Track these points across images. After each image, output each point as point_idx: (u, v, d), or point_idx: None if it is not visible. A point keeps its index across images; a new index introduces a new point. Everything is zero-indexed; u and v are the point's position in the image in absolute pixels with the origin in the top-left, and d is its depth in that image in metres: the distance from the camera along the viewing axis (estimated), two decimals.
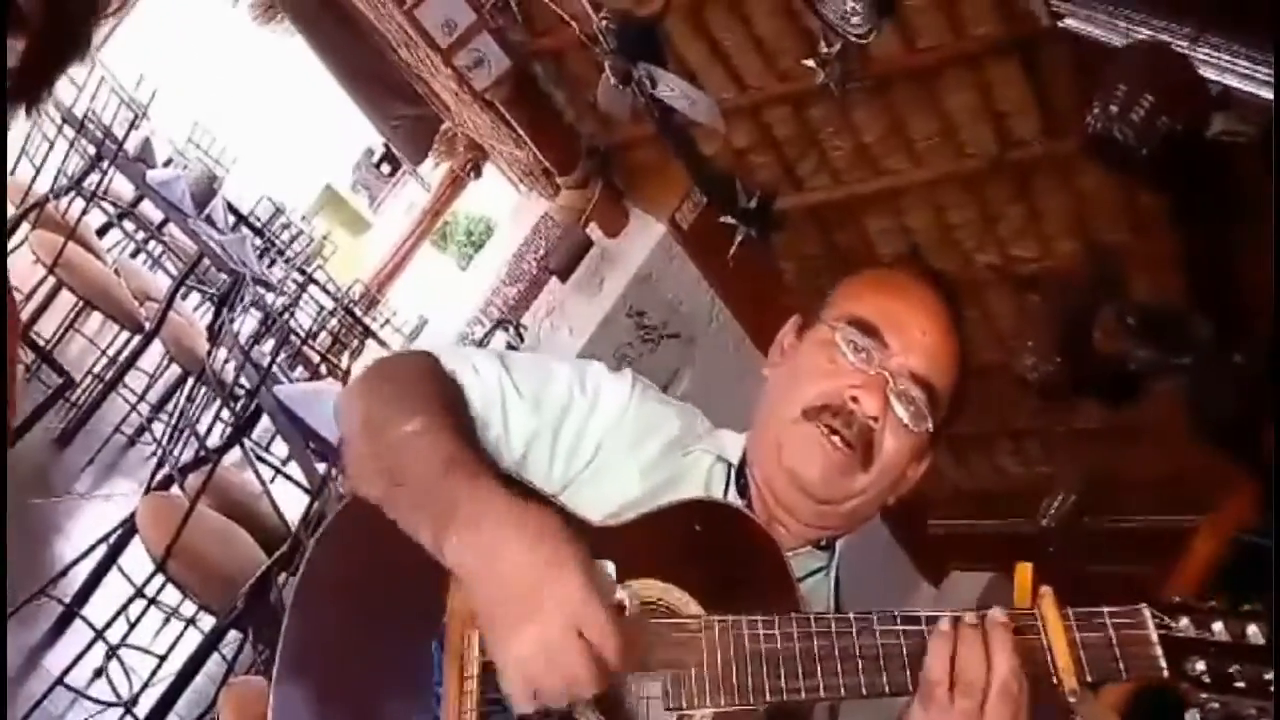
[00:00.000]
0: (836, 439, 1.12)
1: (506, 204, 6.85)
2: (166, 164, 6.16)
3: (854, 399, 1.13)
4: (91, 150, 4.86)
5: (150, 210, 5.71)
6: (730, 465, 1.23)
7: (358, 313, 6.38)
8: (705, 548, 1.05)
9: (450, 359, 1.17)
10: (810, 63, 3.34)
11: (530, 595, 0.89)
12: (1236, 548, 2.93)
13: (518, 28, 4.19)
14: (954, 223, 3.82)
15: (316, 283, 6.35)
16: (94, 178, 4.76)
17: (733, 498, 1.21)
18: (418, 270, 8.37)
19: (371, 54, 5.68)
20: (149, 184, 4.90)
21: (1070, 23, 2.63)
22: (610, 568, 0.99)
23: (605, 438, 1.19)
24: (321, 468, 2.53)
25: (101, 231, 5.61)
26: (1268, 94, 2.35)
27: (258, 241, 6.52)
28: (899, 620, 0.98)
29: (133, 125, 5.00)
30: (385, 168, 13.67)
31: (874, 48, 3.21)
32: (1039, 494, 4.14)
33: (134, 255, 6.29)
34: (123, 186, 5.56)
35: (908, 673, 0.96)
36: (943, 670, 0.93)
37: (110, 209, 5.63)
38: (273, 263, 6.60)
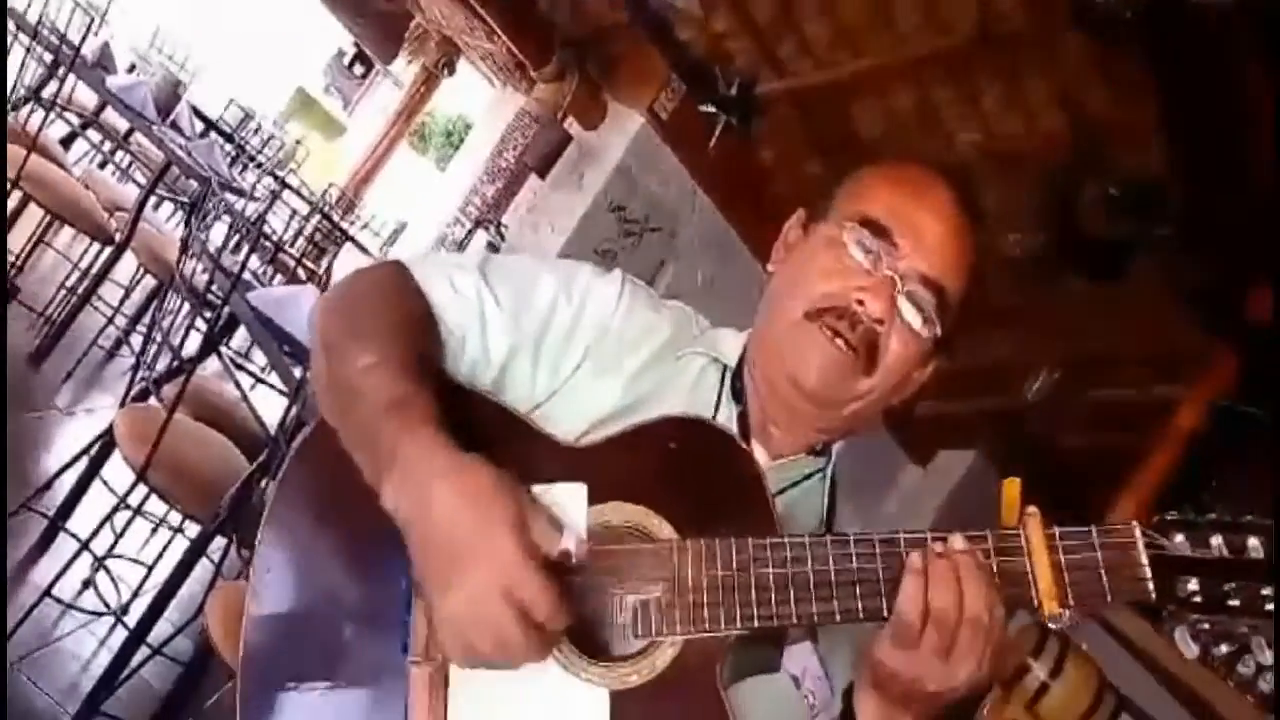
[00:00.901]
0: (840, 341, 1.07)
1: (482, 101, 6.69)
2: (130, 71, 5.98)
3: (859, 301, 1.08)
4: (48, 58, 4.69)
5: (116, 120, 5.56)
6: (726, 368, 1.18)
7: (334, 217, 6.27)
8: (681, 468, 1.01)
9: (425, 271, 1.11)
10: None
11: (460, 556, 0.87)
12: (1217, 416, 2.93)
13: None
14: (937, 102, 3.73)
15: (290, 187, 6.22)
16: (53, 87, 4.61)
17: (726, 402, 1.16)
18: (395, 172, 8.20)
19: None
20: (109, 90, 4.75)
21: None
22: (582, 491, 0.96)
23: (591, 346, 1.13)
24: (298, 372, 2.50)
25: (66, 143, 5.47)
26: None
27: (228, 147, 6.37)
28: (876, 544, 0.94)
29: (89, 29, 4.81)
30: (358, 69, 13.32)
31: None
32: (1023, 371, 4.15)
33: (101, 166, 6.14)
34: (87, 96, 5.40)
35: (883, 599, 0.92)
36: (916, 609, 0.90)
37: (74, 119, 5.47)
38: (244, 169, 6.45)
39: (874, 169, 1.20)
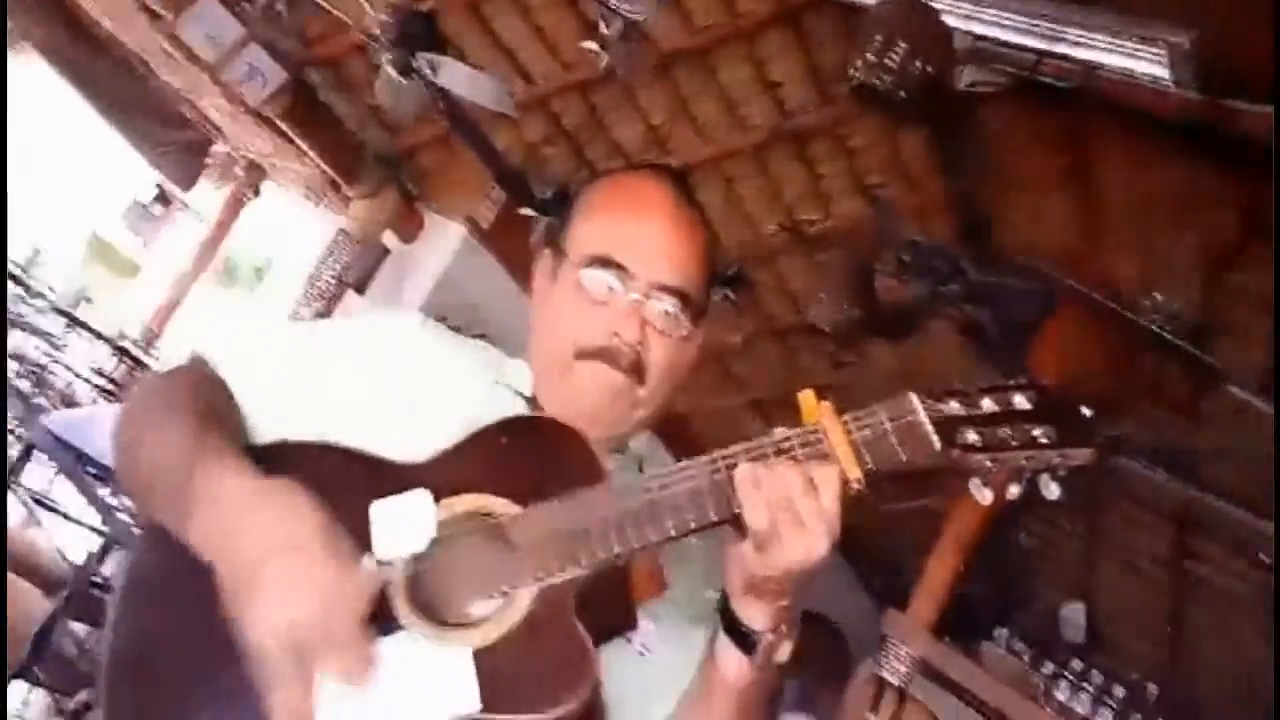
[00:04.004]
0: (609, 369, 1.19)
1: (292, 224, 6.59)
2: None
3: (615, 334, 1.18)
4: None
5: None
6: (526, 398, 1.25)
7: (135, 352, 5.97)
8: (514, 455, 1.10)
9: (215, 354, 1.17)
10: (591, 45, 3.35)
11: (267, 573, 0.90)
12: None
13: (289, 37, 4.02)
14: (743, 194, 3.94)
15: (84, 325, 5.87)
16: None
17: None
18: (203, 304, 7.90)
19: (132, 79, 5.35)
20: None
21: None
22: (425, 494, 1.02)
23: (401, 372, 1.21)
24: (104, 492, 2.34)
25: None
26: (1016, 38, 2.53)
27: (17, 290, 5.98)
28: (699, 467, 1.04)
29: None
30: (157, 208, 12.86)
31: (653, 29, 3.26)
32: None
33: None
34: None
35: (711, 504, 1.01)
36: (763, 511, 0.99)
37: None
38: (37, 310, 6.06)
39: (589, 198, 1.30)
